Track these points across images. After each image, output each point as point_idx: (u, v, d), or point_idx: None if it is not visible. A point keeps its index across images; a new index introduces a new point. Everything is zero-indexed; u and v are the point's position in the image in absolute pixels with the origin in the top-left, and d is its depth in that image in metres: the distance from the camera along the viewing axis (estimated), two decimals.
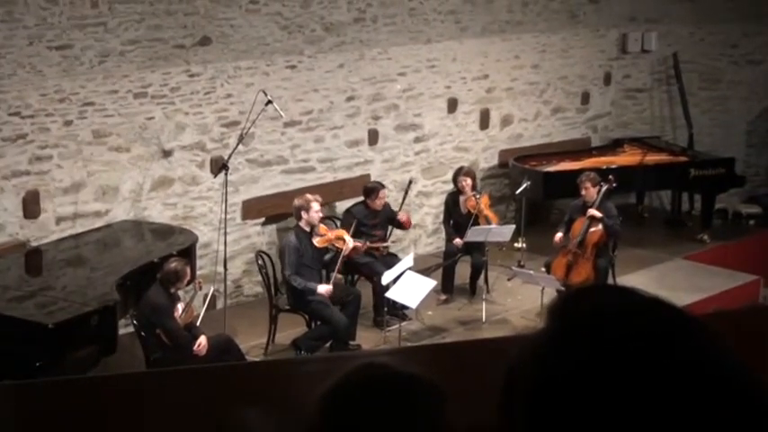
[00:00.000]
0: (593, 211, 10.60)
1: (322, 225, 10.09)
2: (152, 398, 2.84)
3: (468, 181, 11.25)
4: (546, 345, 1.16)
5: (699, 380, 1.09)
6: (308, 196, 9.92)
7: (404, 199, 11.54)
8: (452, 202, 11.48)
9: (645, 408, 1.07)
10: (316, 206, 9.80)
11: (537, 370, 1.14)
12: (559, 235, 10.77)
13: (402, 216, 11.06)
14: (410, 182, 11.79)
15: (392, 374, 1.53)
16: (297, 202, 9.90)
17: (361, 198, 10.93)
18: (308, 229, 9.83)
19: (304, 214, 9.78)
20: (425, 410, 1.49)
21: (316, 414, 1.49)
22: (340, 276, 10.88)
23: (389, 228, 11.10)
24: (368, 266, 10.51)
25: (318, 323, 9.77)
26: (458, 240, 11.06)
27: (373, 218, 10.79)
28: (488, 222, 11.12)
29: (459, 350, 3.65)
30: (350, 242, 10.05)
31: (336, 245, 10.04)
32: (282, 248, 9.88)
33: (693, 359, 1.11)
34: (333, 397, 1.50)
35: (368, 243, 10.47)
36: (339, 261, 9.94)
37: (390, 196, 11.72)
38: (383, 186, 10.95)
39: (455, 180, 11.48)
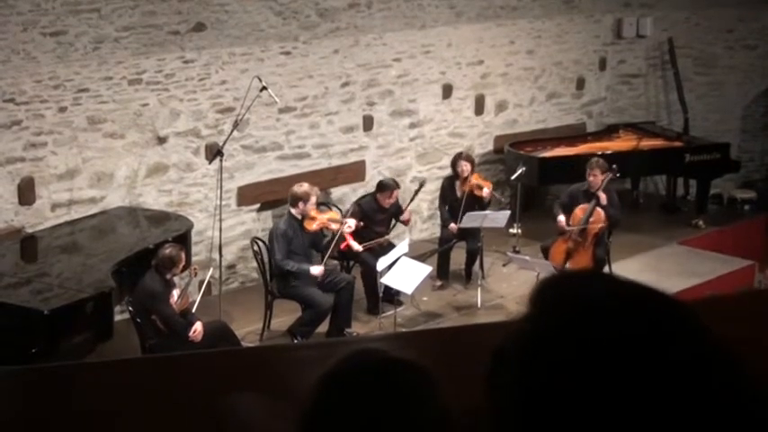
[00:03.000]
0: (602, 194, 10.56)
1: (313, 209, 10.06)
2: (147, 384, 2.84)
3: (468, 166, 11.21)
4: (527, 336, 1.14)
5: (690, 384, 1.07)
6: (307, 187, 9.90)
7: (412, 199, 11.43)
8: (449, 186, 11.45)
9: (629, 409, 1.05)
10: (314, 199, 9.84)
11: (519, 360, 1.13)
12: (562, 218, 10.71)
13: (406, 216, 11.03)
14: (421, 184, 11.57)
15: (386, 360, 1.53)
16: (298, 190, 9.86)
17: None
18: (299, 217, 9.84)
19: (301, 204, 9.79)
20: (419, 396, 1.49)
21: (310, 400, 1.49)
22: (335, 262, 10.88)
23: (393, 222, 11.08)
24: (362, 255, 10.47)
25: (306, 309, 9.80)
26: (453, 226, 11.05)
27: (381, 213, 10.77)
28: (482, 191, 11.07)
29: (454, 336, 3.65)
30: (346, 221, 10.07)
31: (331, 226, 10.04)
32: (271, 235, 9.89)
33: (682, 360, 1.08)
34: (327, 383, 1.50)
35: (363, 245, 10.40)
36: (334, 242, 10.00)
37: None
38: (398, 187, 10.90)
39: (454, 165, 11.42)
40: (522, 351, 1.13)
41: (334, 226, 10.04)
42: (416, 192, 11.34)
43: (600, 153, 12.22)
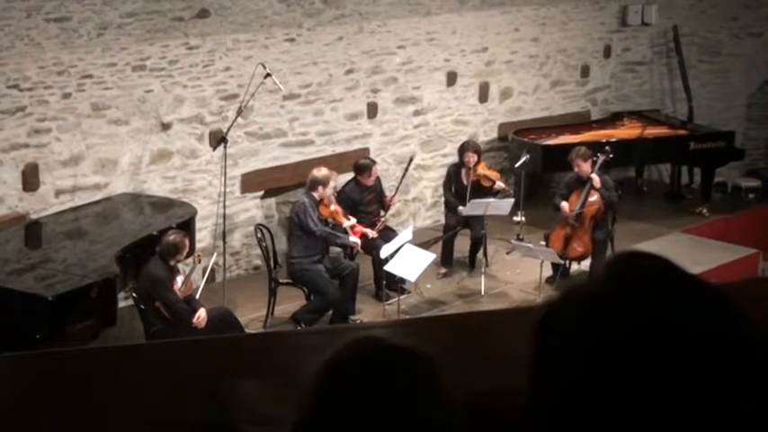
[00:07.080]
0: (595, 177, 10.57)
1: (332, 195, 10.08)
2: (151, 369, 2.85)
3: (475, 157, 11.20)
4: (606, 300, 1.20)
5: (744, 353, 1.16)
6: (326, 171, 9.89)
7: (403, 176, 11.43)
8: (455, 173, 11.41)
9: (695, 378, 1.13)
10: (333, 183, 9.87)
11: (593, 320, 1.17)
12: (564, 204, 10.71)
13: (388, 200, 10.98)
14: (411, 158, 11.56)
15: (389, 347, 1.53)
16: (317, 175, 9.86)
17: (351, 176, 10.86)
18: (318, 199, 9.84)
19: (321, 188, 9.79)
20: (422, 383, 1.49)
21: (312, 386, 1.49)
22: (339, 250, 10.88)
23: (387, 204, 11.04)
24: (375, 242, 10.44)
25: (313, 296, 9.82)
26: (461, 208, 10.98)
27: (368, 194, 10.74)
28: (492, 182, 11.11)
29: (458, 323, 3.65)
30: (351, 220, 10.10)
31: (336, 219, 10.04)
32: (300, 208, 9.81)
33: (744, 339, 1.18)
34: (329, 369, 1.50)
35: (374, 230, 10.42)
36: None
37: (389, 170, 11.70)
38: (375, 163, 10.92)
39: (460, 154, 11.36)
40: (595, 316, 1.18)
41: (341, 219, 10.04)
42: (406, 168, 11.31)
43: (604, 141, 12.22)
